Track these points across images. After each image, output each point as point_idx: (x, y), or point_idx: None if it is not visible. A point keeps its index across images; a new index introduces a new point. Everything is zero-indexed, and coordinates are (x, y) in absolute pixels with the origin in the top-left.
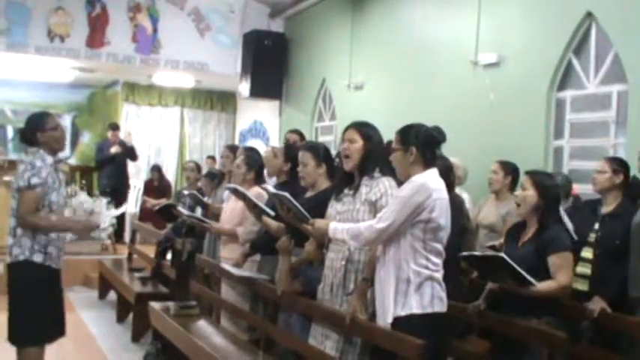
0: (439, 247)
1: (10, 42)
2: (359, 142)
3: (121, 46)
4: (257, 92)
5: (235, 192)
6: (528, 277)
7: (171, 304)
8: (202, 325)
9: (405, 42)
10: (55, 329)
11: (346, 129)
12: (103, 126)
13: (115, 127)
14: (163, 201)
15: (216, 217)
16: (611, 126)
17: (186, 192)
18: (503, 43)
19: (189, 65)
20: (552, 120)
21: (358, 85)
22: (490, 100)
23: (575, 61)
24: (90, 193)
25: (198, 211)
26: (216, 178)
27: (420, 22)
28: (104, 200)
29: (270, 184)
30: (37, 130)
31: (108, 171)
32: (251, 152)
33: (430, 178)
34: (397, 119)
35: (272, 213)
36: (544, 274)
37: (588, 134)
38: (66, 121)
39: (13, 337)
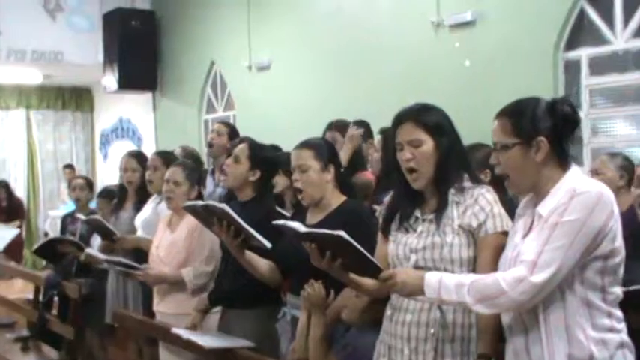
0: (619, 291)
1: None
2: (427, 144)
3: None
4: (126, 84)
5: (206, 211)
6: None
7: None
8: None
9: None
10: None
11: (396, 125)
12: None
13: None
14: (17, 224)
15: (133, 254)
16: None
17: (82, 216)
18: None
19: (39, 56)
20: (561, 87)
21: (263, 64)
22: (466, 70)
23: (590, 11)
24: None
25: (95, 244)
26: (116, 196)
27: None
28: None
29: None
30: None
31: None
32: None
33: (600, 184)
34: (325, 104)
35: (268, 245)
36: None
37: (619, 102)
38: None
39: None
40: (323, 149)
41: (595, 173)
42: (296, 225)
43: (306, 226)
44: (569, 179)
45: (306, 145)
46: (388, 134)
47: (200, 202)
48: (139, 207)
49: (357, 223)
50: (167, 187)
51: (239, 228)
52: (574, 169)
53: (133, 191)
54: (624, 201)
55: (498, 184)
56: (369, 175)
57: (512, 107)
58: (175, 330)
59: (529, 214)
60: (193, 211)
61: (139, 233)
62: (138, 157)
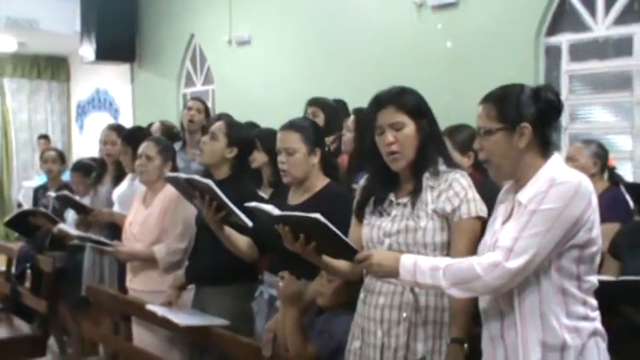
0: (595, 280)
1: None
2: (409, 126)
3: None
4: (104, 54)
5: (188, 184)
6: None
7: None
8: None
9: None
10: None
11: (377, 108)
12: None
13: None
14: None
15: (110, 229)
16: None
17: (52, 193)
18: None
19: (13, 23)
20: (542, 72)
21: (243, 39)
22: (447, 51)
23: None
24: None
25: (69, 216)
26: (94, 171)
27: None
28: None
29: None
30: None
31: None
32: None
33: (580, 174)
34: (304, 82)
35: (249, 223)
36: None
37: (598, 89)
38: None
39: None
40: (310, 132)
41: (570, 160)
42: (269, 208)
43: (289, 206)
44: (549, 167)
45: (293, 127)
46: (361, 114)
47: (183, 175)
48: (117, 181)
49: (340, 206)
50: (139, 161)
51: (221, 204)
52: (555, 158)
53: (112, 165)
54: (597, 188)
55: (481, 166)
56: (345, 159)
57: (497, 93)
58: (150, 307)
59: (510, 200)
60: (175, 182)
61: (116, 207)
62: (118, 130)
